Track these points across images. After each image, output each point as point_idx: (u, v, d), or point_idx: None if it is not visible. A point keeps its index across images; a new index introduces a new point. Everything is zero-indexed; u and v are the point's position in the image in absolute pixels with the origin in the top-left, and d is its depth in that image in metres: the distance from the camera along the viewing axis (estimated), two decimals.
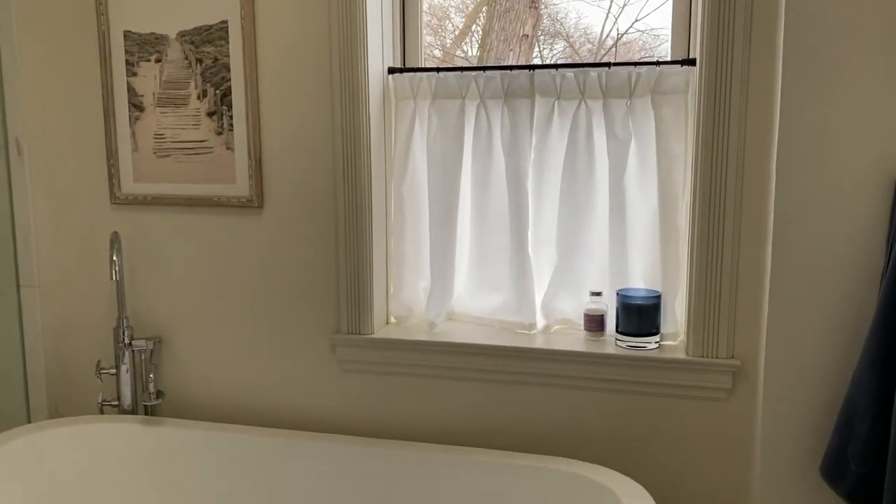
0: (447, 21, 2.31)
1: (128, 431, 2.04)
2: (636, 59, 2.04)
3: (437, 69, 1.97)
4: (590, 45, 2.20)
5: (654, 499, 1.86)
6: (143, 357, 2.12)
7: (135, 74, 2.05)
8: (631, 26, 2.10)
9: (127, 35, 2.04)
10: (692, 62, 1.80)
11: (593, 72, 1.88)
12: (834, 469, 1.55)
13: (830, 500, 1.62)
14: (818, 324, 1.59)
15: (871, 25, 1.48)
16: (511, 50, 2.29)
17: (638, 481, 1.88)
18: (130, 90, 2.06)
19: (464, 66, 2.13)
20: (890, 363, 1.47)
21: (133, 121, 2.07)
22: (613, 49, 2.15)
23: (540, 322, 2.01)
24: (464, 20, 2.34)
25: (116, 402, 2.10)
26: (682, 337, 1.90)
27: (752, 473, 1.74)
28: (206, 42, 1.98)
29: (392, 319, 2.12)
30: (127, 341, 2.07)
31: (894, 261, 1.46)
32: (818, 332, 1.59)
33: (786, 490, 1.65)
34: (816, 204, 1.55)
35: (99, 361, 2.11)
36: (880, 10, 1.47)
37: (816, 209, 1.55)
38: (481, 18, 2.31)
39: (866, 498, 1.52)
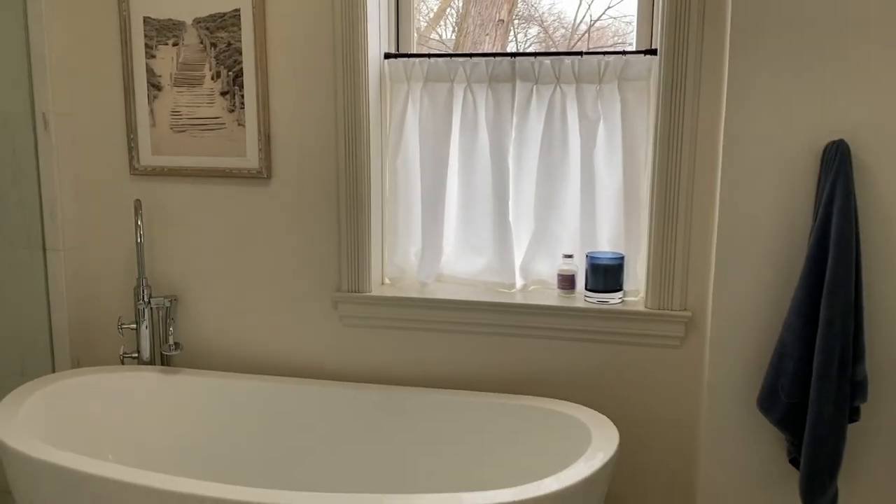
0: (422, 4, 2.45)
1: (148, 379, 2.26)
2: (609, 44, 2.29)
3: (430, 55, 2.20)
4: (563, 31, 2.41)
5: (619, 430, 2.13)
6: (160, 313, 2.33)
7: (153, 57, 2.26)
8: (604, 13, 2.32)
9: (146, 20, 2.24)
10: (654, 52, 2.06)
11: (567, 59, 2.13)
12: (767, 401, 1.83)
13: (766, 430, 1.90)
14: (757, 278, 1.86)
15: (810, 15, 1.74)
16: (487, 34, 2.48)
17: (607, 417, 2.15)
18: (149, 71, 2.27)
19: (452, 52, 2.36)
20: (813, 309, 1.74)
21: (151, 99, 2.28)
22: (587, 35, 2.38)
23: (519, 282, 2.27)
24: (439, 3, 2.50)
25: (136, 355, 2.32)
26: (642, 293, 2.17)
27: (701, 408, 2.02)
28: (219, 28, 2.19)
29: (387, 280, 2.36)
30: (146, 299, 2.28)
31: (819, 222, 1.73)
32: (757, 285, 1.86)
33: (728, 421, 1.93)
34: (756, 174, 1.82)
35: (120, 318, 2.33)
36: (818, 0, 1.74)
37: (756, 179, 1.82)
38: (457, 2, 2.49)
39: (794, 424, 1.80)
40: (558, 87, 2.14)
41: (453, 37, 2.49)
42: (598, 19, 2.32)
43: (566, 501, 1.60)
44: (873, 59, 1.72)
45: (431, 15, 2.49)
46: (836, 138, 1.76)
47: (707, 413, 1.94)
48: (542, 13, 2.39)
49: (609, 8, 2.29)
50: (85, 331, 2.43)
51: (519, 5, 2.41)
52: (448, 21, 2.53)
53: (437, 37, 2.51)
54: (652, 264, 2.06)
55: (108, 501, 1.65)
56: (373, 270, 2.26)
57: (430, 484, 2.10)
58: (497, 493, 1.54)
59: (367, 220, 2.22)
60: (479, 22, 2.49)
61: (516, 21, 2.46)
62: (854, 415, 1.78)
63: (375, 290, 2.27)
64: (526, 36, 2.45)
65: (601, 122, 2.14)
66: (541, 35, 2.43)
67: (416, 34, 2.38)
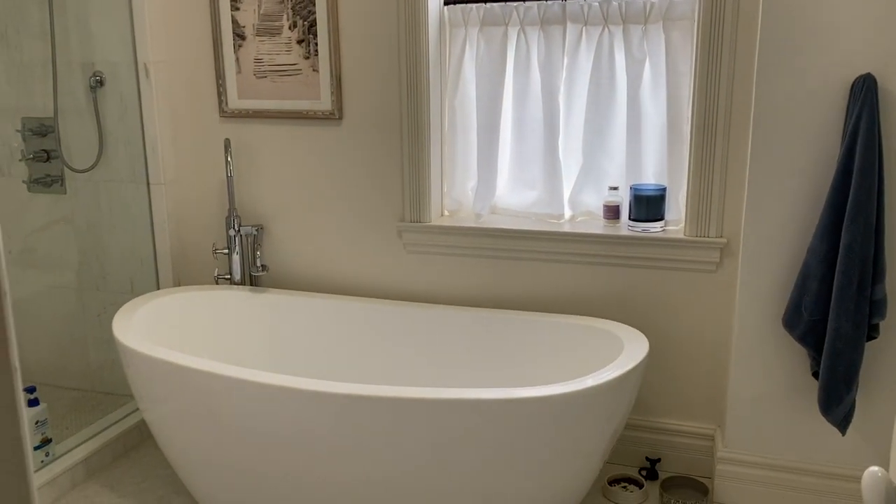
0: None
1: (238, 297, 2.59)
2: None
3: (485, 0, 2.37)
4: None
5: (657, 348, 2.33)
6: (249, 240, 2.64)
7: (238, 9, 2.51)
8: None
9: None
10: None
11: (615, 1, 2.26)
12: (792, 318, 1.99)
13: (790, 346, 2.05)
14: (786, 206, 1.99)
15: None
16: None
17: (644, 334, 2.35)
18: (234, 22, 2.52)
19: None
20: (835, 234, 1.88)
21: (237, 48, 2.54)
22: None
23: (567, 213, 2.45)
24: None
25: (228, 276, 2.64)
26: (682, 224, 2.32)
27: (733, 326, 2.19)
28: None
29: (446, 212, 2.59)
30: (236, 227, 2.59)
31: (844, 151, 1.85)
32: (786, 213, 2.00)
33: (756, 337, 2.09)
34: (787, 107, 1.94)
35: (214, 244, 2.65)
36: None
37: (787, 111, 1.94)
38: None
39: (815, 339, 1.95)
40: (606, 28, 2.28)
41: None
42: None
43: (602, 396, 1.83)
44: None
45: None
46: (864, 72, 1.85)
47: (738, 330, 2.11)
48: None
49: None
50: (184, 255, 2.78)
51: None
52: None
53: None
54: (691, 195, 2.21)
55: (209, 391, 1.97)
56: (433, 203, 2.49)
57: (489, 384, 2.36)
58: (542, 388, 1.78)
59: (427, 156, 2.44)
60: None
61: None
62: (874, 331, 1.92)
63: (435, 221, 2.50)
64: None
65: (647, 61, 2.27)
66: None
67: None
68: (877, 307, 1.88)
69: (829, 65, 1.88)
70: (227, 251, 2.62)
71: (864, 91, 1.82)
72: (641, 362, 1.92)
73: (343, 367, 2.50)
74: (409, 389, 1.80)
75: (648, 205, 2.29)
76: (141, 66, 2.57)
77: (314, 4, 2.42)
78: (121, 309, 2.38)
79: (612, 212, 2.37)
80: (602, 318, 2.36)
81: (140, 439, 2.64)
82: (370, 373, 2.47)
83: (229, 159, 2.49)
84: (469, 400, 1.77)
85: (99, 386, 2.91)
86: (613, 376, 1.83)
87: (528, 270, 2.42)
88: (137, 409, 2.61)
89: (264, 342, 2.57)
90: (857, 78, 1.86)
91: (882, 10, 1.82)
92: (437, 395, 1.78)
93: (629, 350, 1.99)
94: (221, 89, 2.59)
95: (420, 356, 2.43)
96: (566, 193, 2.44)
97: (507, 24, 2.36)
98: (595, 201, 2.43)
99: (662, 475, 2.36)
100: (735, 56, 2.08)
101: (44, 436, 2.34)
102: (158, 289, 2.74)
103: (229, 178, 2.54)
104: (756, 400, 2.12)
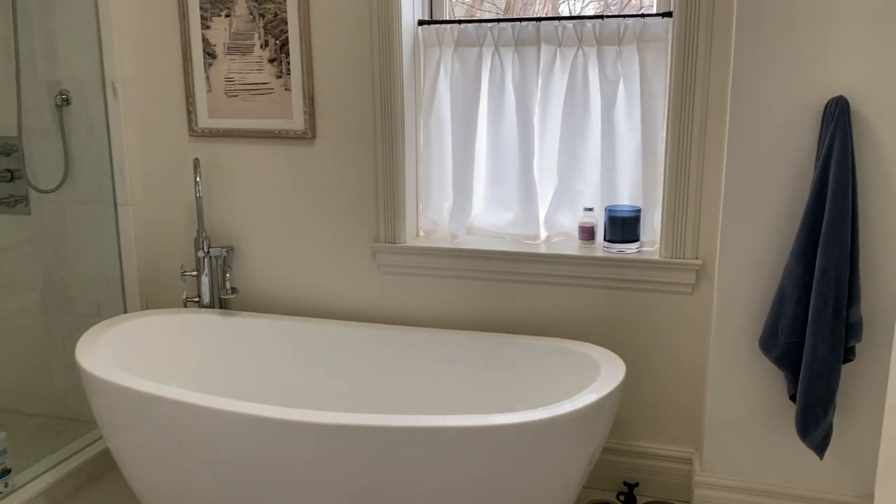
0: None
1: (208, 320, 2.53)
2: (638, 10, 2.40)
3: (459, 21, 2.36)
4: None
5: (633, 371, 2.31)
6: (218, 262, 2.59)
7: (208, 27, 2.47)
8: None
9: None
10: (670, 14, 2.17)
11: (589, 23, 2.25)
12: (768, 341, 1.98)
13: (767, 367, 2.04)
14: (761, 228, 1.99)
15: None
16: (540, 2, 2.59)
17: (621, 357, 2.32)
18: (205, 40, 2.48)
19: (481, 18, 2.50)
20: (811, 256, 1.87)
21: (207, 66, 2.50)
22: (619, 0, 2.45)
23: (543, 234, 2.43)
24: None
25: (197, 299, 2.58)
26: (657, 243, 2.31)
27: (709, 349, 2.17)
28: (267, 0, 2.38)
29: (421, 233, 2.56)
30: (206, 249, 2.53)
31: (818, 174, 1.85)
32: (761, 235, 1.99)
33: (733, 360, 2.08)
34: (761, 128, 1.94)
35: (182, 266, 2.59)
36: None
37: (761, 133, 1.94)
38: None
39: (792, 362, 1.94)
40: (580, 50, 2.28)
41: (505, 2, 2.58)
42: None
43: (579, 421, 1.79)
44: (876, 17, 1.81)
45: None
46: (837, 95, 1.86)
47: (714, 353, 2.09)
48: None
49: None
50: (152, 277, 2.71)
51: None
52: None
53: (490, 4, 2.63)
54: (666, 216, 2.20)
55: (176, 420, 1.91)
56: (408, 223, 2.46)
57: (458, 410, 2.32)
58: (518, 414, 1.75)
59: (402, 176, 2.41)
60: None
61: None
62: (850, 354, 1.91)
63: (410, 241, 2.47)
64: (584, 2, 2.52)
65: (621, 82, 2.27)
66: (592, 4, 2.49)
67: (448, 1, 2.52)
68: (853, 330, 1.88)
69: (802, 87, 1.89)
70: (195, 273, 2.56)
71: (837, 113, 1.82)
72: (618, 386, 1.90)
73: (315, 393, 2.44)
74: (383, 417, 1.76)
75: (623, 226, 2.28)
76: (108, 85, 2.52)
77: (286, 23, 2.38)
78: (85, 333, 2.31)
79: (588, 233, 2.35)
80: (578, 340, 2.33)
81: (105, 468, 2.56)
82: (344, 398, 2.42)
83: (198, 179, 2.44)
84: (444, 427, 1.73)
85: (64, 412, 2.82)
86: (590, 401, 1.80)
87: (505, 292, 2.39)
88: (102, 436, 2.53)
89: (234, 367, 2.51)
90: (829, 100, 1.87)
91: (854, 32, 1.83)
92: (410, 423, 1.73)
93: (606, 373, 1.96)
94: (191, 108, 2.54)
95: (394, 380, 2.39)
96: (542, 214, 2.42)
97: (481, 45, 2.35)
98: (570, 222, 2.42)
99: (641, 500, 2.33)
100: (709, 77, 2.08)
101: (3, 466, 2.26)
102: (125, 312, 2.66)
103: (198, 199, 2.48)
104: (734, 423, 2.10)
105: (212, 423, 1.85)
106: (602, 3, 2.48)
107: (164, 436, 1.94)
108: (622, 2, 2.48)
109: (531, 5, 2.56)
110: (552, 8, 2.53)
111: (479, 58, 2.36)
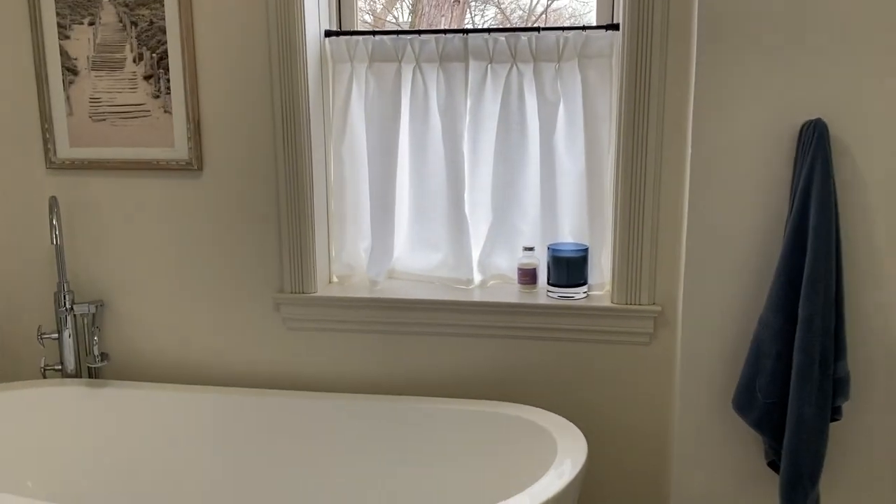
0: None
1: (71, 394, 2.06)
2: (565, 25, 2.13)
3: (374, 32, 2.02)
4: (520, 12, 2.28)
5: (585, 435, 2.00)
6: (85, 321, 2.13)
7: (67, 37, 2.03)
8: None
9: None
10: (616, 27, 1.90)
11: (524, 36, 1.96)
12: (744, 401, 1.71)
13: (741, 431, 1.77)
14: (730, 270, 1.72)
15: None
16: (443, 15, 2.34)
17: (570, 421, 2.01)
18: (63, 53, 2.04)
19: (400, 29, 2.18)
20: (791, 304, 1.62)
21: (67, 84, 2.06)
22: (543, 16, 2.24)
23: (477, 277, 2.11)
24: None
25: (59, 367, 2.11)
26: (608, 287, 2.03)
27: (672, 409, 1.89)
28: (140, 4, 1.98)
29: (335, 279, 2.18)
30: (68, 305, 2.07)
31: (796, 211, 1.60)
32: (730, 278, 1.73)
33: (701, 422, 1.80)
34: (728, 158, 1.68)
35: (40, 326, 2.12)
36: None
37: (728, 163, 1.68)
38: None
39: (772, 425, 1.68)
40: (515, 67, 1.98)
41: (409, 18, 2.34)
42: (554, 0, 2.18)
43: None
44: (854, 29, 1.58)
45: None
46: (813, 117, 1.63)
47: (679, 414, 1.81)
48: None
49: None
50: (2, 342, 2.21)
51: None
52: (405, 3, 2.39)
53: (393, 19, 2.36)
54: (618, 256, 1.91)
55: None
56: (318, 268, 2.08)
57: (385, 501, 1.94)
58: None
59: (310, 213, 2.04)
60: (434, 2, 2.35)
61: (473, 2, 2.34)
62: (835, 414, 1.67)
63: (321, 290, 2.09)
64: (483, 17, 2.32)
65: (561, 103, 1.98)
66: (498, 17, 2.29)
67: (359, 10, 2.20)
68: (840, 387, 1.63)
69: (774, 107, 1.64)
70: (56, 335, 2.09)
71: (815, 139, 1.58)
72: (582, 469, 1.58)
73: (204, 482, 2.01)
74: None
75: (569, 267, 1.98)
76: None
77: (164, 33, 1.98)
78: None
79: (528, 276, 2.04)
80: (523, 400, 2.01)
81: None
82: (240, 483, 2.00)
83: (55, 222, 1.98)
84: None
85: None
86: (553, 493, 1.46)
87: (434, 347, 2.05)
88: None
89: (103, 454, 2.05)
90: (805, 123, 1.63)
91: (830, 45, 1.59)
92: None
93: (564, 449, 1.64)
94: (48, 135, 2.08)
95: (302, 458, 1.99)
96: (475, 255, 2.10)
97: (400, 60, 2.02)
98: (508, 263, 2.10)
99: None
100: (664, 96, 1.82)
101: None
102: None
103: (57, 246, 2.03)
104: (704, 496, 1.82)
105: None
106: (502, 17, 2.24)
107: None
108: (547, 16, 2.23)
109: (436, 26, 2.30)
110: (458, 24, 2.27)
111: (399, 75, 2.02)
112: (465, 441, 1.89)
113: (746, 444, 1.78)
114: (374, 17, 2.32)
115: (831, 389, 1.61)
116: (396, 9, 2.42)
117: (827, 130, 1.58)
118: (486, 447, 1.87)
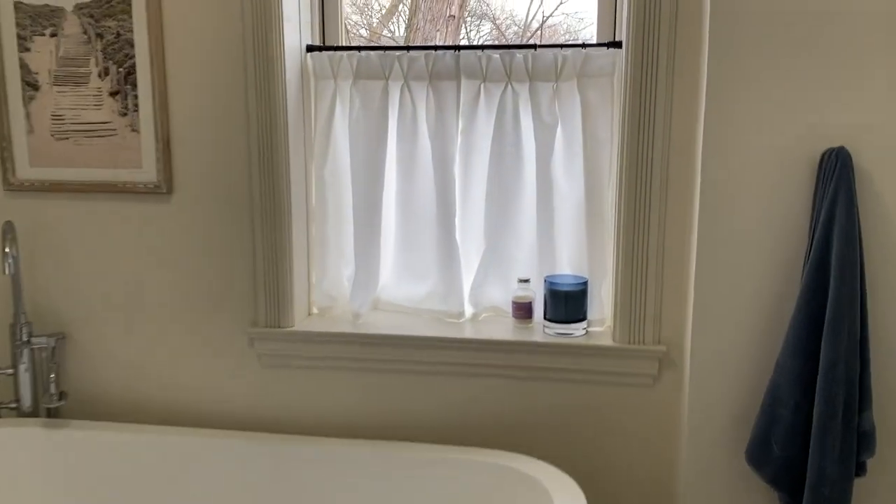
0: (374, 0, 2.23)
1: (28, 435, 1.90)
2: (561, 42, 2.00)
3: (359, 48, 1.88)
4: (516, 28, 2.16)
5: (582, 485, 1.85)
6: (43, 355, 1.97)
7: (28, 50, 1.89)
8: (556, 9, 2.06)
9: (18, 6, 1.87)
10: (618, 45, 1.77)
11: (519, 54, 1.82)
12: (759, 454, 1.56)
13: (754, 486, 1.63)
14: (743, 309, 1.58)
15: (793, 11, 1.47)
16: (438, 30, 2.23)
17: (565, 469, 1.86)
18: (23, 67, 1.90)
19: (387, 45, 2.04)
20: (811, 348, 1.48)
21: (27, 100, 1.91)
22: (539, 32, 2.12)
23: (468, 310, 1.96)
24: None
25: (15, 405, 1.95)
26: (609, 323, 1.88)
27: (678, 459, 1.74)
28: (106, 16, 1.83)
29: (315, 310, 2.03)
30: (25, 339, 1.92)
31: (817, 245, 1.46)
32: (743, 317, 1.59)
33: (711, 476, 1.65)
34: (741, 188, 1.54)
35: None
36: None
37: (741, 193, 1.54)
38: None
39: (790, 481, 1.53)
40: (509, 86, 1.84)
41: (405, 33, 2.23)
42: (550, 15, 2.06)
43: None
44: (878, 53, 1.45)
45: (384, 11, 2.24)
46: (835, 145, 1.49)
47: (686, 464, 1.66)
48: (495, 10, 2.14)
49: (561, 4, 2.03)
50: None
51: (471, 1, 2.16)
52: (401, 18, 2.29)
53: (388, 34, 2.24)
54: (620, 290, 1.77)
55: None
56: (296, 300, 1.93)
57: None
58: None
59: (288, 241, 1.89)
60: (429, 17, 2.24)
61: (468, 18, 2.23)
62: (860, 470, 1.52)
63: (300, 324, 1.94)
64: (478, 33, 2.22)
65: (559, 125, 1.84)
66: (493, 32, 2.19)
67: (354, 25, 2.08)
68: (865, 440, 1.48)
69: (792, 134, 1.51)
70: (11, 371, 1.93)
71: (838, 169, 1.44)
72: None
73: None
74: None
75: (567, 301, 1.83)
76: None
77: (132, 46, 1.84)
78: None
79: (524, 310, 1.90)
80: (515, 446, 1.86)
81: None
82: None
83: (6, 249, 1.83)
84: None
85: None
86: None
87: (421, 387, 1.89)
88: None
89: (64, 498, 1.88)
90: (826, 151, 1.49)
91: (853, 69, 1.46)
92: None
93: None
94: (6, 154, 1.93)
95: None
96: (466, 286, 1.95)
97: (387, 78, 1.88)
98: (502, 295, 1.96)
99: None
100: (671, 120, 1.68)
101: None
102: None
103: (13, 276, 1.87)
104: None
105: None
106: (498, 40, 2.13)
107: None
108: (543, 32, 2.11)
109: (431, 41, 2.19)
110: (453, 40, 2.16)
111: (386, 93, 1.88)
112: (453, 494, 1.73)
113: (760, 500, 1.63)
114: (370, 31, 2.20)
115: (855, 443, 1.47)
116: (392, 24, 2.31)
117: (850, 160, 1.45)
118: (475, 501, 1.71)
